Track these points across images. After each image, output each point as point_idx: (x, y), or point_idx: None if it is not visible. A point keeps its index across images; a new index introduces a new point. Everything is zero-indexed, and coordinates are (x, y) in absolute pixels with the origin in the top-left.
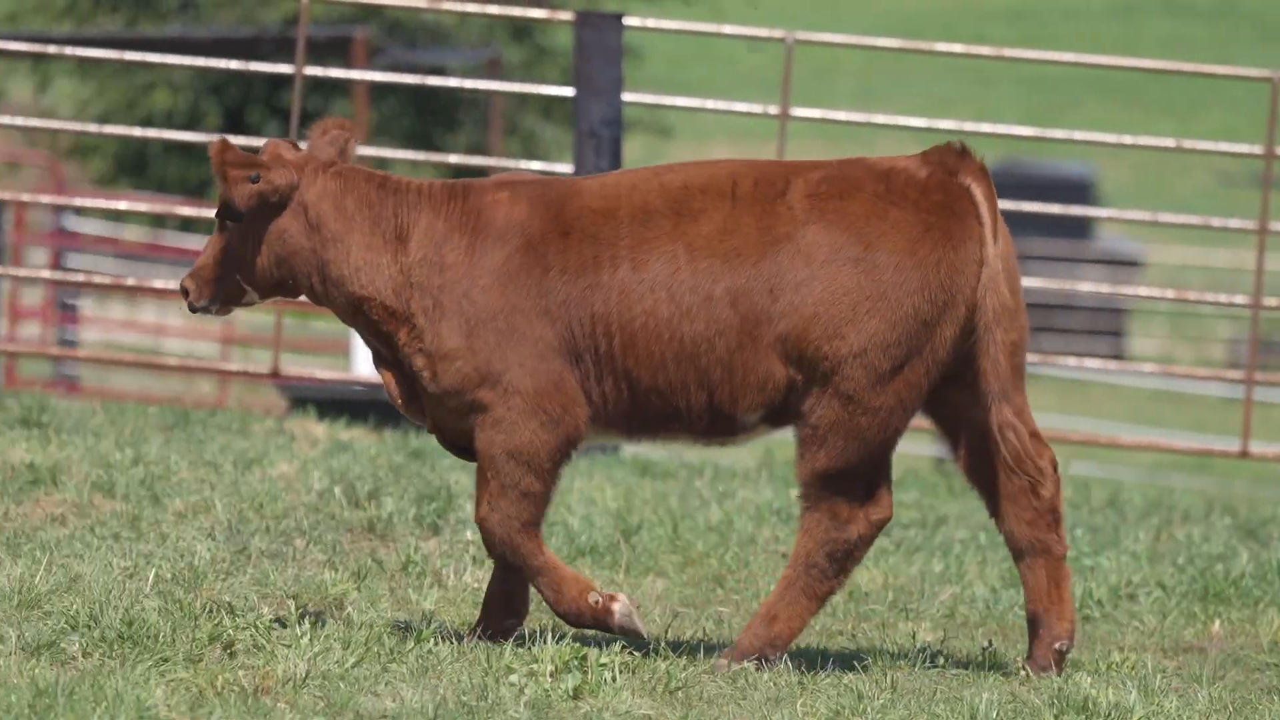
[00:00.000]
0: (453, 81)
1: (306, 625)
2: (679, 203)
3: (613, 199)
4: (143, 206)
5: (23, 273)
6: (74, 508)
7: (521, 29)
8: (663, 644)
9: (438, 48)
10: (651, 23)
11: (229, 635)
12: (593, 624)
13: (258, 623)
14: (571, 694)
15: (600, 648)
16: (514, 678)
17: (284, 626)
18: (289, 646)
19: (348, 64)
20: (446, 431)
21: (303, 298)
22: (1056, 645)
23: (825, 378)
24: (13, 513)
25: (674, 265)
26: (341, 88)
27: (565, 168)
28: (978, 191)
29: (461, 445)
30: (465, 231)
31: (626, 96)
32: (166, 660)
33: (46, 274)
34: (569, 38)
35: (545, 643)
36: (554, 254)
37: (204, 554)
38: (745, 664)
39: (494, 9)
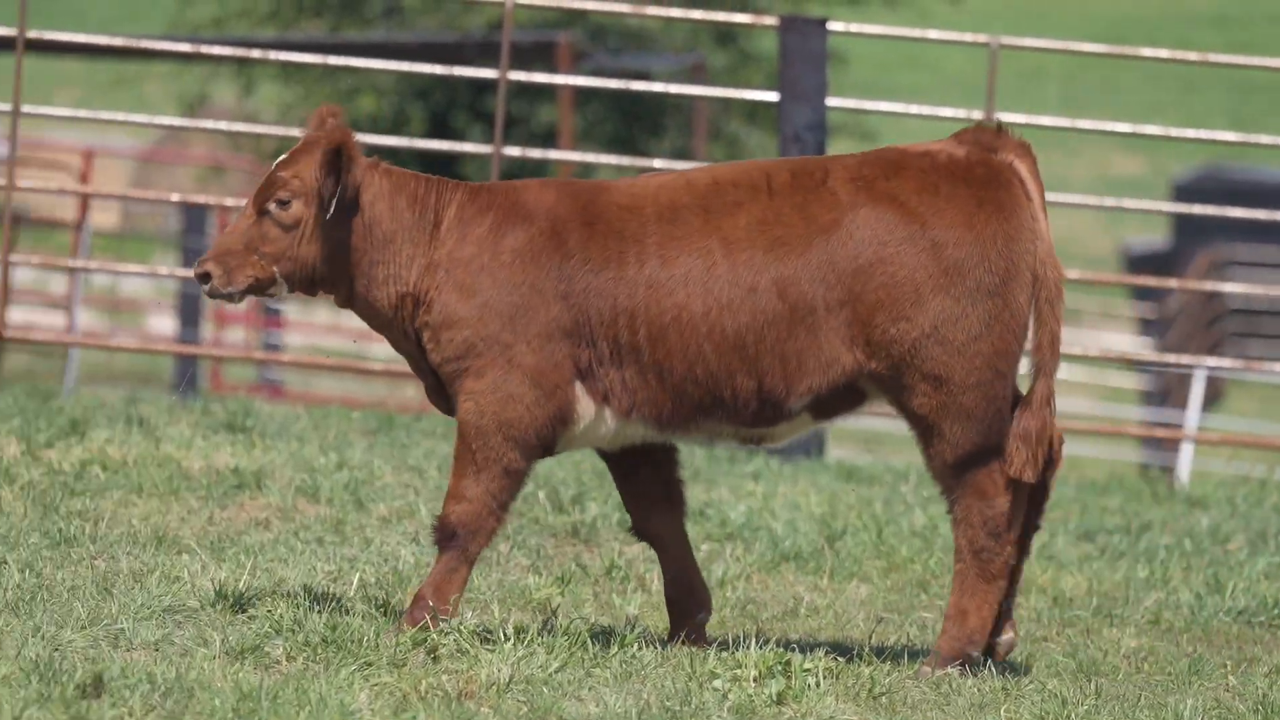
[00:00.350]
0: (657, 86)
1: (510, 630)
2: (707, 199)
3: (639, 197)
4: None
5: None
6: (278, 512)
7: (726, 34)
8: (867, 649)
9: (642, 53)
10: (855, 28)
11: (433, 640)
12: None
13: (461, 627)
14: (775, 699)
15: (804, 653)
16: (717, 683)
17: (488, 631)
18: (493, 651)
19: (552, 69)
20: None
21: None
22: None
23: (905, 363)
24: (217, 517)
25: (709, 260)
26: (545, 92)
27: None
28: (1021, 167)
29: None
30: (491, 212)
31: (830, 101)
32: (370, 665)
33: None
34: (774, 43)
35: (749, 648)
36: (576, 241)
37: (408, 558)
38: (949, 669)
39: (698, 14)
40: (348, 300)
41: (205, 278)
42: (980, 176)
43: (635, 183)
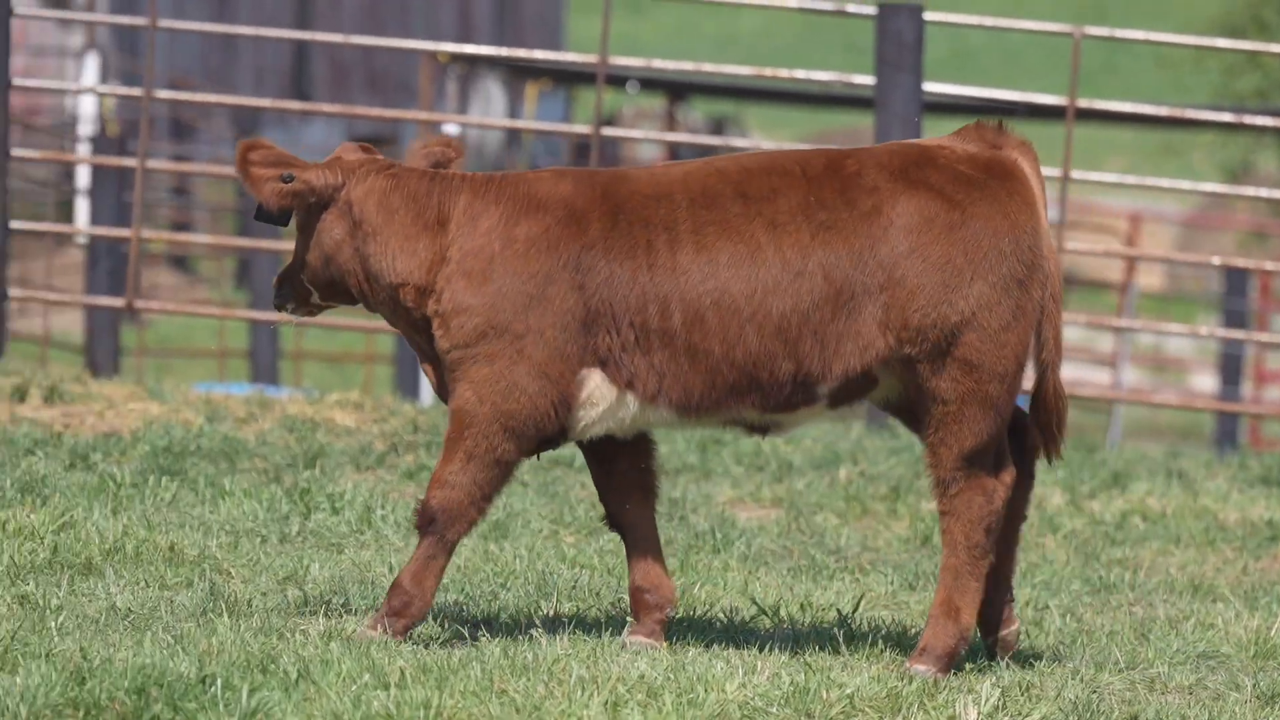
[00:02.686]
0: None
1: None
2: (743, 185)
3: (666, 185)
4: None
5: (1264, 338)
6: None
7: None
8: None
9: None
10: None
11: None
12: (418, 616)
13: None
14: None
15: None
16: None
17: None
18: None
19: None
20: None
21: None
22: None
23: (941, 349)
24: (1251, 568)
25: (753, 244)
26: None
27: None
28: (1024, 164)
29: None
30: (503, 203)
31: None
32: None
33: None
34: None
35: None
36: (597, 230)
37: None
38: (946, 668)
39: None
40: (362, 300)
41: (275, 291)
42: (1000, 171)
43: (656, 171)
